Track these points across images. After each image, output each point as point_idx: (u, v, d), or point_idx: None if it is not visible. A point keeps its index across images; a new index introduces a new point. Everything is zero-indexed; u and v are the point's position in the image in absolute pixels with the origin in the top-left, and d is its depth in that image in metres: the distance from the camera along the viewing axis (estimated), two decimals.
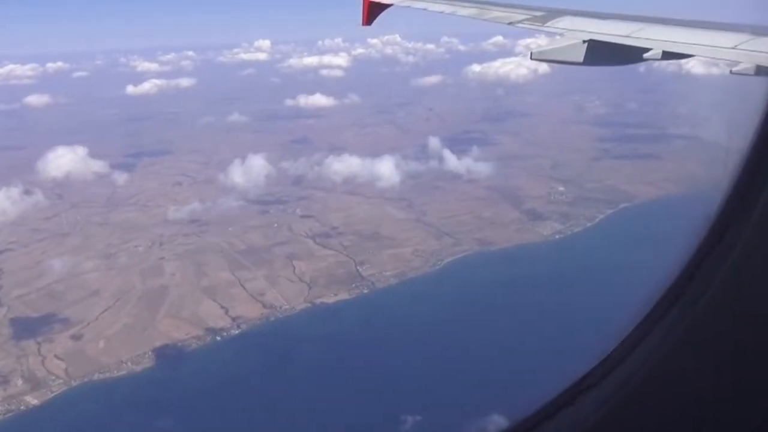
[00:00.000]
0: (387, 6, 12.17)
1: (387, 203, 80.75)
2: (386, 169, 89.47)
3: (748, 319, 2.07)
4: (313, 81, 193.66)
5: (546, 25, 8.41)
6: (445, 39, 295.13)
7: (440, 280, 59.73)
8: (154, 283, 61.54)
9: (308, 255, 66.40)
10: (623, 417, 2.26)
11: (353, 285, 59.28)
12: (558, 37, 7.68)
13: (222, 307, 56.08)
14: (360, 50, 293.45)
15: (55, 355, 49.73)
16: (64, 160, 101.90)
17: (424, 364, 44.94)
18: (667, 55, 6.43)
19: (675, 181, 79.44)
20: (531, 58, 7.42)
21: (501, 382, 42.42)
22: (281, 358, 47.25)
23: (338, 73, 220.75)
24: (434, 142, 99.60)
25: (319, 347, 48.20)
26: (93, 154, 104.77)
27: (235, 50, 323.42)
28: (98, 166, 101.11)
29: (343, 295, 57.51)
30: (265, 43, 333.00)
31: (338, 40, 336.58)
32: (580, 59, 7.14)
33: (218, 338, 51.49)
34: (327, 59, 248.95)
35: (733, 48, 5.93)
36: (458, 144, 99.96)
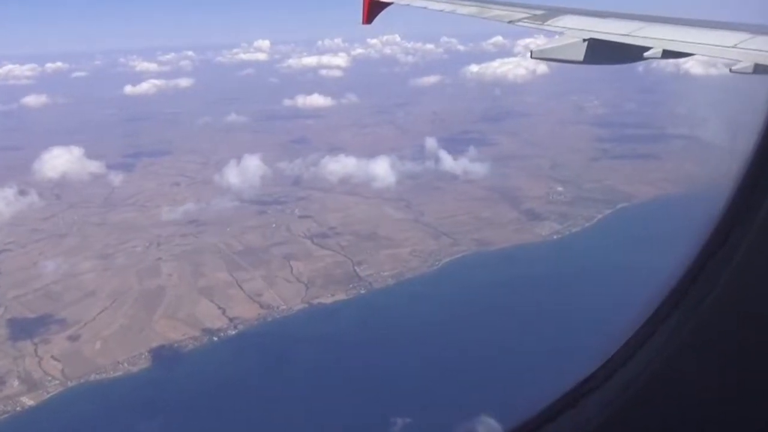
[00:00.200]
0: (387, 4, 12.15)
1: (385, 203, 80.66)
2: (384, 170, 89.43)
3: (753, 321, 2.05)
4: (311, 81, 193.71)
5: (546, 23, 8.39)
6: (444, 39, 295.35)
7: (438, 280, 59.63)
8: (151, 284, 61.43)
9: (306, 255, 66.31)
10: (626, 419, 2.24)
11: (351, 285, 59.18)
12: (558, 36, 7.68)
13: (219, 308, 55.96)
14: (359, 50, 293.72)
15: (52, 356, 49.61)
16: (62, 161, 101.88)
17: (420, 365, 44.83)
18: (668, 54, 6.44)
19: (673, 181, 79.42)
20: (531, 57, 7.42)
21: (498, 382, 42.34)
22: (277, 359, 47.12)
23: (337, 73, 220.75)
24: (433, 142, 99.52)
25: (315, 348, 48.10)
26: (91, 155, 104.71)
27: (235, 50, 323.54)
28: (96, 166, 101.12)
29: (341, 296, 57.41)
30: (265, 44, 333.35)
31: (338, 40, 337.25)
32: (580, 58, 7.14)
33: (215, 339, 51.38)
34: (326, 59, 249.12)
35: (733, 47, 5.94)
36: (457, 144, 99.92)
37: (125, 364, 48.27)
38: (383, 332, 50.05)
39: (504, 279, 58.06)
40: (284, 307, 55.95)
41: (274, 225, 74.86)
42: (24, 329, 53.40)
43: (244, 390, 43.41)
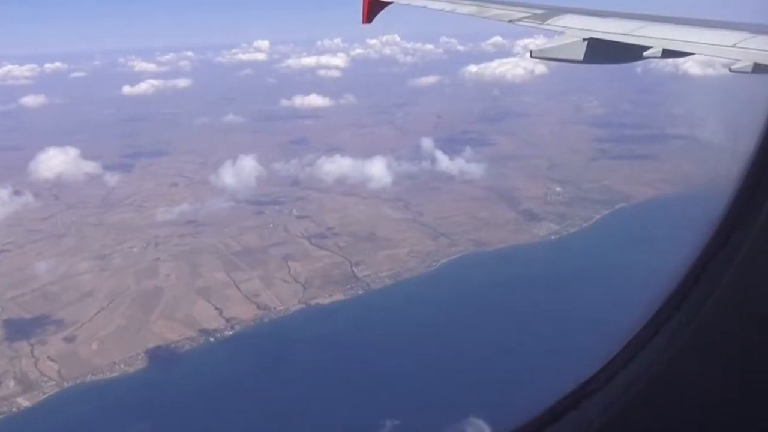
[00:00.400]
0: (387, 4, 12.14)
1: (383, 204, 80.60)
2: (383, 170, 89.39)
3: (754, 322, 2.05)
4: (310, 81, 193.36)
5: (546, 23, 8.40)
6: (444, 39, 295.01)
7: (436, 280, 59.59)
8: (149, 284, 61.36)
9: (304, 256, 66.26)
10: (628, 421, 2.24)
11: (348, 286, 59.11)
12: (557, 35, 7.69)
13: (216, 308, 55.90)
14: (358, 51, 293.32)
15: (48, 357, 49.55)
16: (58, 161, 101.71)
17: (416, 366, 44.75)
18: (667, 53, 6.45)
19: (672, 181, 79.43)
20: (531, 56, 7.45)
21: (495, 383, 42.31)
22: (273, 360, 47.06)
23: (335, 73, 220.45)
24: (432, 142, 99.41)
25: (311, 349, 48.02)
26: (90, 155, 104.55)
27: (234, 51, 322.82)
28: (94, 167, 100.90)
29: (338, 296, 57.35)
30: (264, 44, 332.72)
31: (337, 40, 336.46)
32: (580, 57, 7.16)
33: (212, 339, 51.31)
34: (325, 59, 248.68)
35: (732, 46, 5.97)
36: (456, 144, 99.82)
37: (122, 365, 48.21)
38: (380, 333, 50.02)
39: (502, 279, 58.00)
40: (281, 307, 55.88)
41: (271, 225, 74.81)
42: (20, 330, 53.34)
43: (239, 391, 43.31)
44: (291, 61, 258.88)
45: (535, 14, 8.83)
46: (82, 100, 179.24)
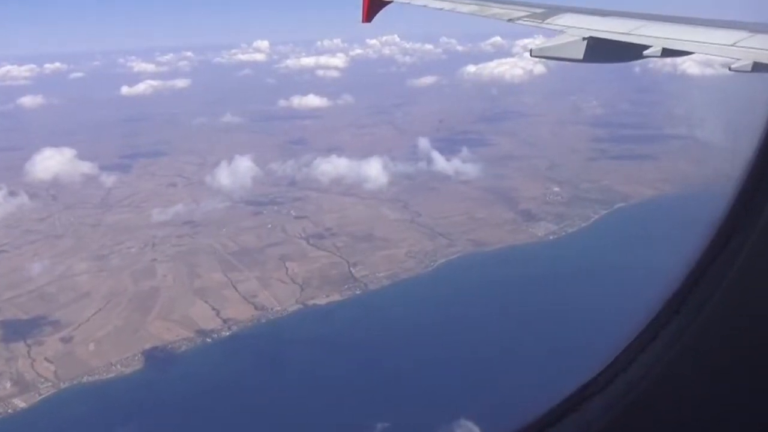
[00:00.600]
0: (387, 3, 12.10)
1: (381, 204, 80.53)
2: (381, 171, 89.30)
3: (755, 326, 2.03)
4: (308, 82, 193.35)
5: (546, 21, 8.39)
6: (443, 39, 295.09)
7: (433, 281, 59.50)
8: (146, 285, 61.28)
9: (301, 256, 66.17)
10: (628, 424, 2.23)
11: (346, 286, 59.03)
12: (557, 34, 7.69)
13: (213, 309, 55.82)
14: (358, 51, 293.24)
15: (45, 358, 49.47)
16: (58, 162, 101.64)
17: (413, 367, 44.65)
18: (667, 53, 6.45)
19: (670, 181, 79.45)
20: (531, 55, 7.45)
21: (492, 384, 42.23)
22: (270, 361, 47.00)
23: (334, 73, 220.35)
24: (430, 143, 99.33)
25: (308, 349, 47.97)
26: (88, 156, 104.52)
27: (233, 51, 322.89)
28: (91, 167, 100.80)
29: (336, 297, 57.27)
30: (264, 44, 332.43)
31: (337, 40, 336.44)
32: (580, 56, 7.16)
33: (209, 340, 51.24)
34: (324, 60, 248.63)
35: (732, 45, 5.96)
36: (454, 145, 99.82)
37: (118, 366, 48.13)
38: (377, 333, 49.94)
39: (500, 279, 57.94)
40: (279, 308, 55.81)
41: (269, 226, 74.72)
42: (17, 331, 53.25)
43: (235, 392, 43.22)
44: (290, 62, 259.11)
45: (535, 13, 8.82)
46: (81, 100, 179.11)
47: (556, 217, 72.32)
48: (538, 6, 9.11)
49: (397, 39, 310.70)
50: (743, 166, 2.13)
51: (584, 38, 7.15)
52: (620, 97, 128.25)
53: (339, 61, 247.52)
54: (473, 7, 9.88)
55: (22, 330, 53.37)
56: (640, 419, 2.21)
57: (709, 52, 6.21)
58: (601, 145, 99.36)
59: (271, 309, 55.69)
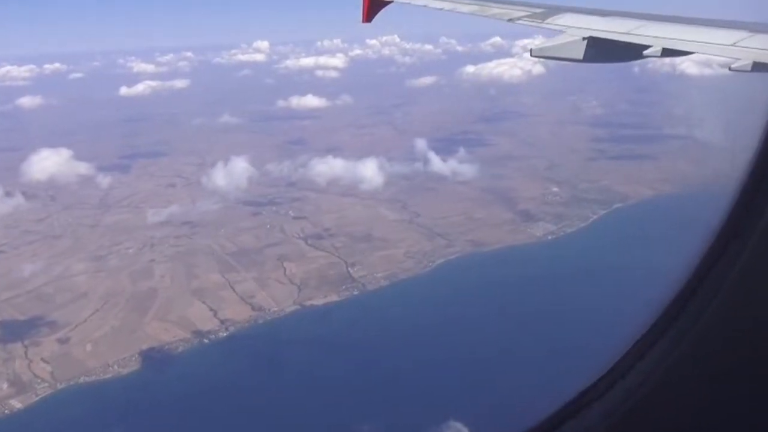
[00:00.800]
0: (387, 3, 12.09)
1: (380, 204, 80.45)
2: (380, 171, 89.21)
3: (754, 331, 2.03)
4: (307, 82, 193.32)
5: (546, 21, 8.39)
6: (443, 39, 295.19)
7: (431, 281, 59.42)
8: (144, 286, 61.19)
9: (299, 256, 66.09)
10: (627, 430, 2.24)
11: (344, 287, 58.93)
12: (557, 34, 7.70)
13: (211, 310, 55.73)
14: (357, 51, 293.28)
15: (42, 359, 49.38)
16: (54, 163, 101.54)
17: (409, 367, 44.54)
18: (667, 53, 6.45)
19: (669, 181, 79.39)
20: (531, 55, 7.44)
21: (489, 385, 42.15)
22: (266, 361, 46.91)
23: (333, 74, 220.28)
24: (429, 143, 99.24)
25: (304, 350, 47.88)
26: (87, 156, 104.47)
27: (233, 51, 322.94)
28: (89, 167, 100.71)
29: (333, 297, 57.17)
30: (264, 44, 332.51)
31: (337, 41, 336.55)
32: (580, 56, 7.17)
33: (206, 341, 51.14)
34: (323, 60, 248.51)
35: (732, 45, 5.97)
36: (454, 145, 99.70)
37: (115, 367, 48.04)
38: (374, 334, 49.84)
39: (498, 280, 57.87)
40: (276, 308, 55.70)
41: (268, 226, 74.66)
42: (14, 331, 53.15)
43: (230, 393, 43.08)
44: (289, 62, 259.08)
45: (535, 13, 8.82)
46: (80, 101, 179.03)
47: (554, 218, 72.25)
48: (538, 6, 9.12)
49: (397, 39, 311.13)
50: (743, 168, 2.11)
51: (584, 38, 7.15)
52: (619, 97, 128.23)
53: (338, 61, 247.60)
54: (473, 7, 9.89)
55: (19, 331, 53.28)
56: (639, 426, 2.20)
57: (709, 52, 6.22)
58: (600, 146, 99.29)
59: (269, 309, 55.59)
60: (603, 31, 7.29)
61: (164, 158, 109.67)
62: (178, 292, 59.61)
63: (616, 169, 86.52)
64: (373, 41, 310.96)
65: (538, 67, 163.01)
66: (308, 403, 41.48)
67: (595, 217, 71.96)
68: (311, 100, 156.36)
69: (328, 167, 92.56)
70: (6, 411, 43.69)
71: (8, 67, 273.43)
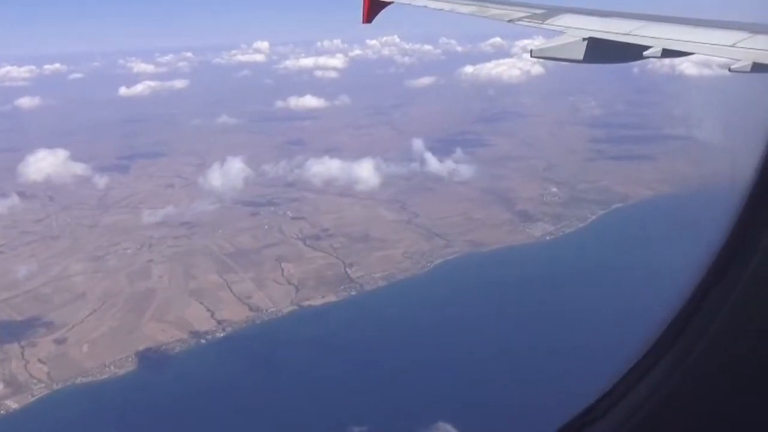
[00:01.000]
0: (387, 4, 12.06)
1: (379, 205, 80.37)
2: (378, 171, 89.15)
3: (756, 352, 1.98)
4: (306, 83, 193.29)
5: (546, 22, 8.37)
6: (443, 40, 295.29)
7: (429, 281, 59.34)
8: (141, 286, 61.13)
9: (297, 257, 66.00)
10: None
11: (341, 287, 58.84)
12: (557, 35, 7.69)
13: (208, 310, 55.66)
14: (357, 51, 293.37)
15: (38, 359, 49.33)
16: (50, 164, 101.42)
17: (406, 368, 44.41)
18: (667, 53, 6.44)
19: (668, 181, 79.33)
20: (531, 56, 7.41)
21: (486, 385, 42.07)
22: (262, 362, 46.81)
23: (333, 74, 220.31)
24: (428, 143, 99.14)
25: (301, 351, 47.77)
26: (87, 157, 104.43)
27: (233, 52, 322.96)
28: (86, 168, 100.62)
29: (331, 298, 57.09)
30: (263, 45, 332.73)
31: (337, 41, 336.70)
32: (580, 57, 7.15)
33: (203, 341, 51.05)
34: (322, 60, 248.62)
35: (732, 46, 5.96)
36: (452, 145, 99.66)
37: (112, 367, 47.97)
38: (371, 335, 49.74)
39: (496, 280, 57.79)
40: (273, 309, 55.61)
41: (266, 226, 74.58)
42: (11, 332, 53.09)
43: (227, 393, 43.02)
44: (289, 62, 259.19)
45: (535, 14, 8.79)
46: (79, 101, 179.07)
47: (553, 218, 72.16)
48: (538, 7, 9.09)
49: (397, 40, 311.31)
50: (746, 172, 2.06)
51: (584, 39, 7.13)
52: (618, 98, 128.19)
53: (338, 61, 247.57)
54: (473, 8, 9.85)
55: (16, 331, 53.21)
56: None
57: (709, 52, 6.19)
58: (599, 146, 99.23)
59: (266, 310, 55.49)
60: (603, 31, 7.26)
61: (163, 159, 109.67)
62: (175, 292, 59.54)
63: (615, 170, 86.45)
64: (373, 42, 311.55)
65: (537, 68, 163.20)
66: (303, 403, 41.40)
67: (593, 217, 71.90)
68: (310, 101, 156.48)
69: (326, 168, 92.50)
70: (2, 411, 43.69)
71: (8, 68, 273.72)
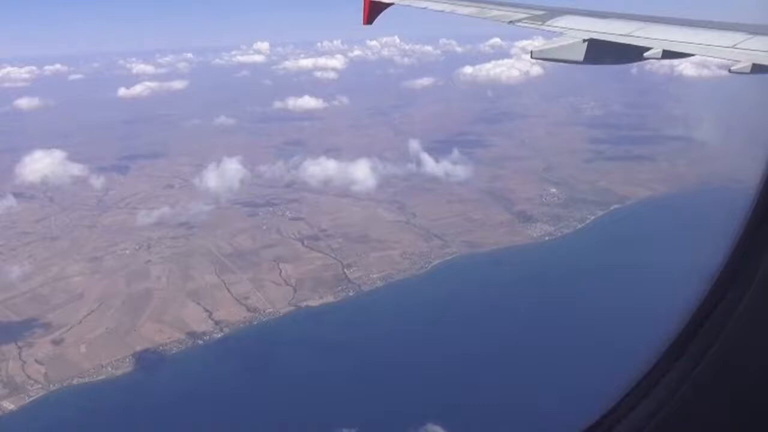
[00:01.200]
0: (388, 5, 12.06)
1: (378, 205, 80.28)
2: (377, 172, 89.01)
3: (757, 371, 1.97)
4: (305, 83, 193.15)
5: (546, 24, 8.37)
6: (443, 41, 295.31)
7: (427, 282, 59.23)
8: (139, 287, 61.03)
9: (296, 258, 65.88)
10: None
11: (339, 288, 58.74)
12: (557, 37, 7.67)
13: (206, 311, 55.56)
14: (357, 52, 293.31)
15: (36, 360, 49.24)
16: (47, 164, 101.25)
17: (403, 368, 44.31)
18: (667, 54, 6.43)
19: (667, 182, 79.26)
20: (531, 57, 7.40)
21: (484, 386, 41.95)
22: (259, 363, 46.69)
23: (332, 75, 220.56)
24: (426, 144, 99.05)
25: (297, 351, 47.66)
26: (86, 157, 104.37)
27: (233, 52, 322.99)
28: (89, 169, 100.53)
29: (329, 298, 56.99)
30: (264, 46, 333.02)
31: (337, 42, 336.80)
32: (581, 58, 7.15)
33: (200, 342, 50.92)
34: (322, 61, 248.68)
35: (731, 47, 5.96)
36: (451, 146, 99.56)
37: (109, 368, 47.88)
38: (368, 335, 49.60)
39: (495, 281, 57.67)
40: (271, 309, 55.49)
41: (264, 227, 74.49)
42: (9, 333, 53.02)
43: (223, 394, 42.94)
44: (288, 63, 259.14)
45: (535, 15, 8.79)
46: (79, 102, 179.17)
47: (552, 219, 72.06)
48: (538, 8, 9.10)
49: (398, 40, 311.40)
50: (752, 178, 2.04)
51: (584, 40, 7.12)
52: (617, 99, 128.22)
53: (337, 62, 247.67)
54: (473, 10, 9.86)
55: (13, 332, 53.13)
56: None
57: (709, 53, 6.18)
58: (598, 147, 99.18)
59: (264, 311, 55.38)
60: (603, 33, 7.26)
61: (162, 159, 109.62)
62: (173, 293, 59.43)
63: (615, 170, 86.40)
64: (374, 42, 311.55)
65: (536, 69, 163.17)
66: (297, 404, 41.29)
67: (593, 218, 71.83)
68: (308, 102, 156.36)
69: (325, 168, 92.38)
70: None
71: (8, 68, 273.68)
